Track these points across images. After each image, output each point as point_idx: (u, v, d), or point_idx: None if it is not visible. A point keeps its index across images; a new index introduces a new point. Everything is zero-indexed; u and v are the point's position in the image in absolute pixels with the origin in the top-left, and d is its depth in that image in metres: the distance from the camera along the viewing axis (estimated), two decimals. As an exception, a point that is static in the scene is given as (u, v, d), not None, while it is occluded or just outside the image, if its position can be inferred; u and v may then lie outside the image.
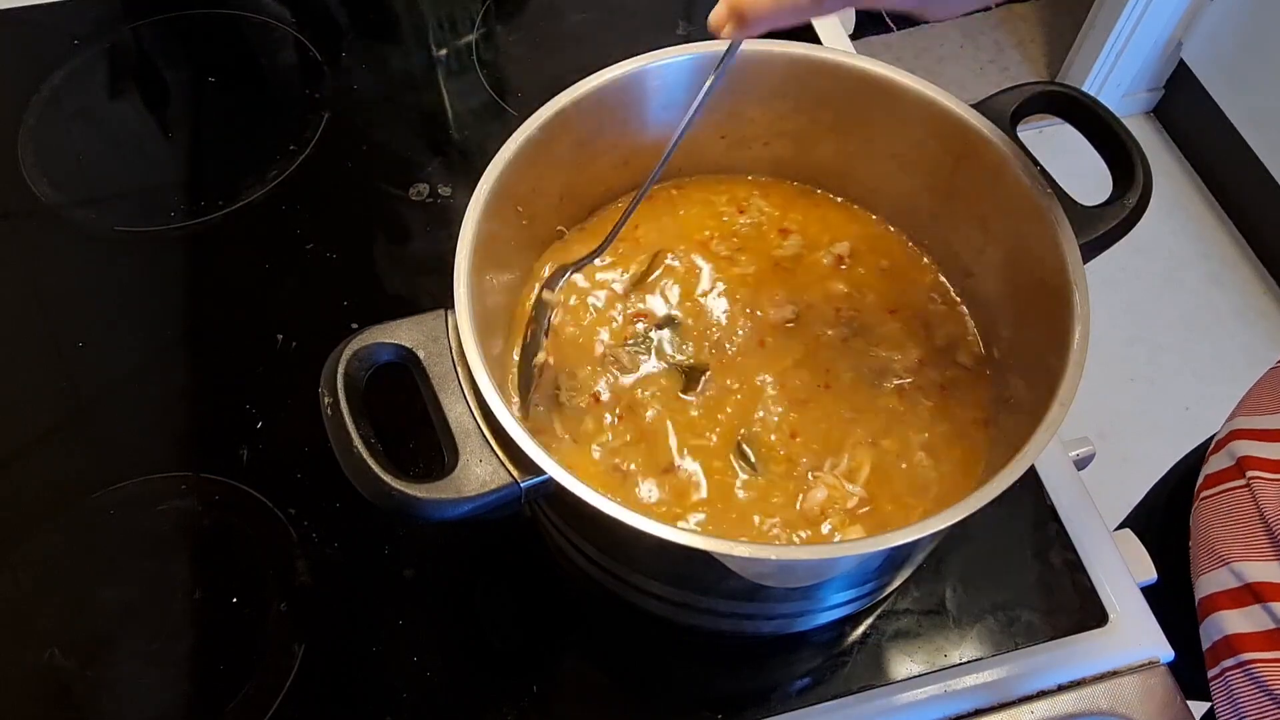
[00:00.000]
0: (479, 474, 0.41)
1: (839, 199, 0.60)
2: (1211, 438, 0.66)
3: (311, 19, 0.83)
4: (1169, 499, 0.74)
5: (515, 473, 0.41)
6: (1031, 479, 0.59)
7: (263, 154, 0.74)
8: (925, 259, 0.58)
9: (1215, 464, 0.60)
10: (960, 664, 0.53)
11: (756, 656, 0.54)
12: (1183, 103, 1.85)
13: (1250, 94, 1.68)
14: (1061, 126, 0.53)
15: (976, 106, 0.52)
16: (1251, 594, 0.54)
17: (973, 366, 0.54)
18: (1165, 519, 0.72)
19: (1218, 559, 0.56)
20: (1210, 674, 0.55)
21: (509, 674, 0.53)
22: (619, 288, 0.56)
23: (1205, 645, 0.56)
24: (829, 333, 0.55)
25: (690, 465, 0.50)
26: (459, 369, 0.43)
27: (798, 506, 0.49)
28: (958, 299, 0.57)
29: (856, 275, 0.57)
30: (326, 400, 0.42)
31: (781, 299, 0.56)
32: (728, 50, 0.46)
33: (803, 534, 0.48)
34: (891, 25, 2.07)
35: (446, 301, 0.44)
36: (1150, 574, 0.57)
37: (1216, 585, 0.56)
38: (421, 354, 0.44)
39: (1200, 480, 0.61)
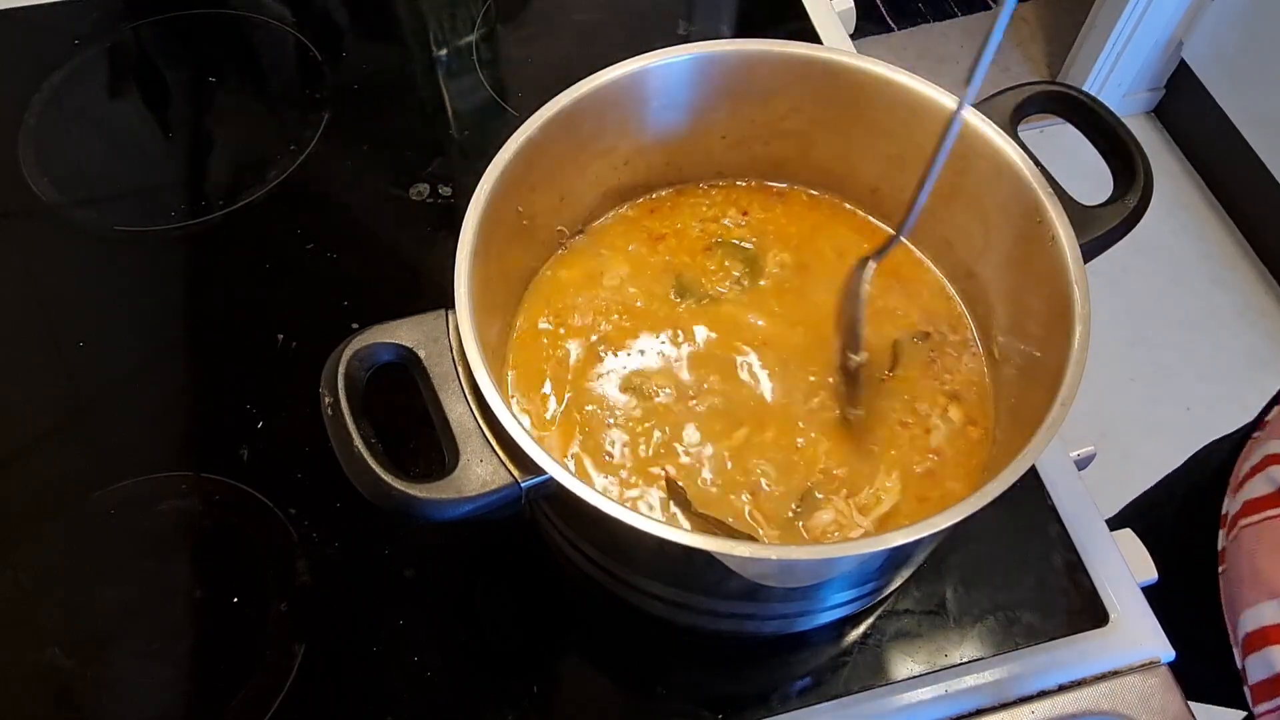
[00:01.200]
0: (479, 474, 0.41)
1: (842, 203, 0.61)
2: (1222, 440, 0.65)
3: (312, 19, 0.83)
4: (1183, 503, 0.72)
5: (516, 472, 0.41)
6: (1032, 479, 0.59)
7: (263, 154, 0.74)
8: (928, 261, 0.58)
9: (1252, 490, 0.59)
10: (961, 664, 0.53)
11: (757, 657, 0.54)
12: (1184, 102, 1.85)
13: (1251, 94, 1.68)
14: (1062, 126, 0.53)
15: (977, 106, 0.52)
16: None
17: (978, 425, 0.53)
18: (1177, 520, 0.71)
19: (1268, 591, 0.55)
20: (1262, 709, 0.54)
21: (509, 674, 0.53)
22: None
23: (1254, 680, 0.54)
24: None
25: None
26: (459, 369, 0.43)
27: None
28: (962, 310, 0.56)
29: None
30: (327, 400, 0.42)
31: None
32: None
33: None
34: (892, 25, 2.07)
35: (447, 301, 0.44)
36: (1151, 574, 0.57)
37: (1268, 618, 0.54)
38: (422, 354, 0.44)
39: (1235, 506, 0.60)
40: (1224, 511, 0.61)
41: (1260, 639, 0.54)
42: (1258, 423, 0.65)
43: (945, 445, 0.52)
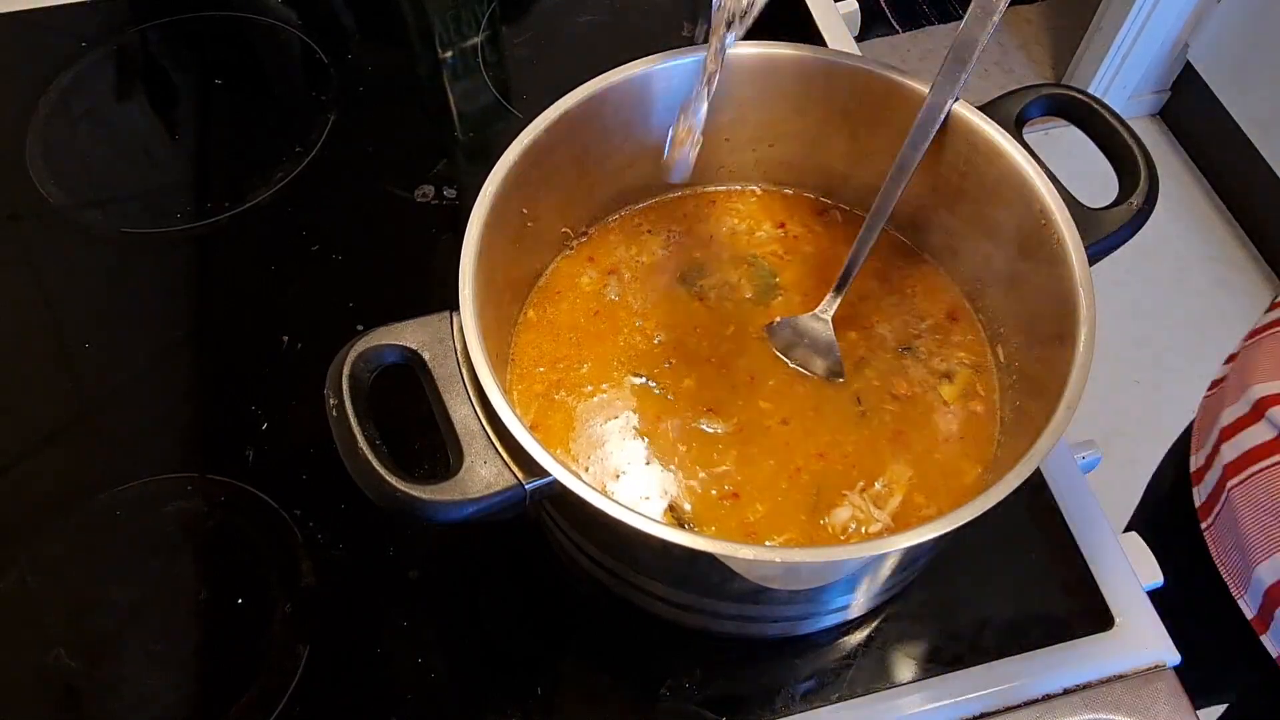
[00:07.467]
0: (483, 475, 0.41)
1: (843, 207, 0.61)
2: (1187, 433, 0.65)
3: (317, 21, 0.83)
4: (1169, 500, 0.72)
5: (520, 474, 0.41)
6: (1037, 482, 0.59)
7: (269, 156, 0.74)
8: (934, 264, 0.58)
9: (1248, 440, 0.58)
10: (965, 667, 0.53)
11: (761, 659, 0.54)
12: (1189, 105, 1.84)
13: (1257, 96, 1.67)
14: (1068, 128, 0.53)
15: (982, 109, 0.52)
16: None
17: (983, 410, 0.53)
18: (1170, 519, 0.71)
19: None
20: None
21: (513, 675, 0.53)
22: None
23: None
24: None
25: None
26: (464, 370, 0.43)
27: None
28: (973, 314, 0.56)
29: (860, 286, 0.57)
30: (332, 402, 0.42)
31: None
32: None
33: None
34: (897, 27, 2.07)
35: (451, 303, 0.45)
36: (1156, 577, 0.56)
37: None
38: (427, 355, 0.44)
39: (1225, 465, 0.59)
40: (1194, 467, 0.61)
41: None
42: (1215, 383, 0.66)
43: (953, 428, 0.52)
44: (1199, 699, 0.53)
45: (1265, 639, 0.58)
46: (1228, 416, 0.61)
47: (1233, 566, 0.60)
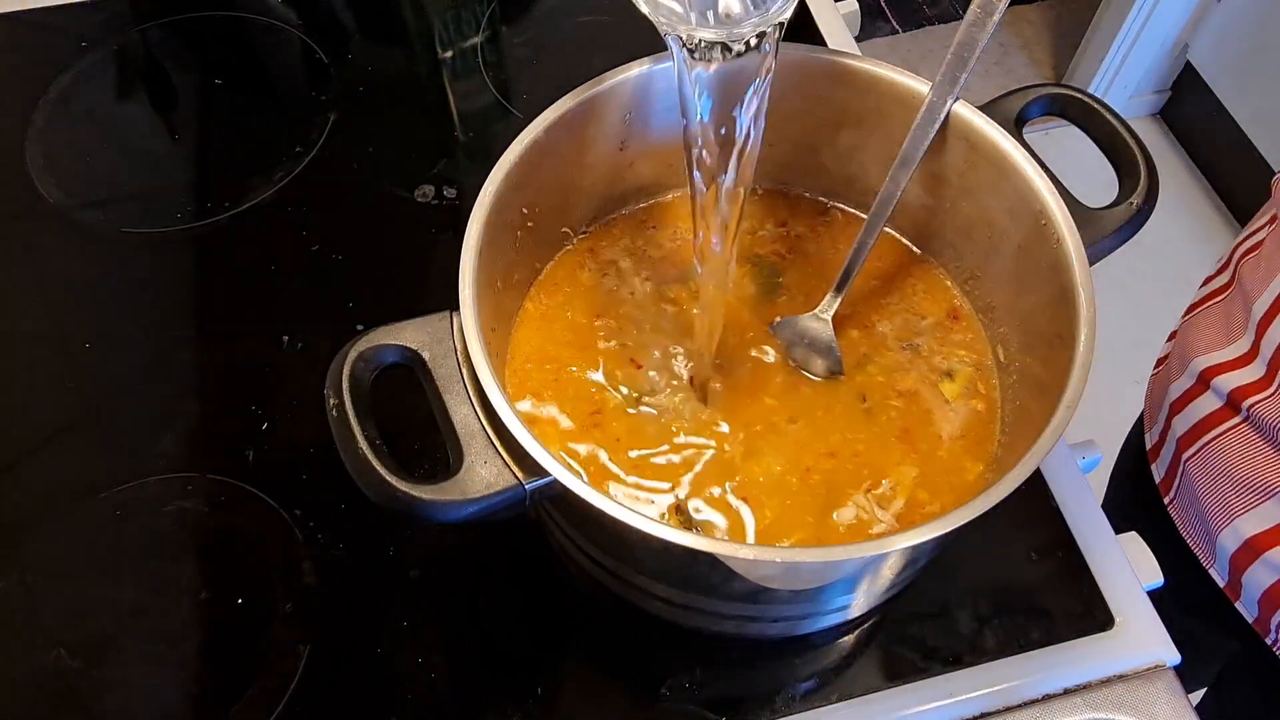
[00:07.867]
0: (484, 475, 0.41)
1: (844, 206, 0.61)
2: (1140, 424, 0.66)
3: (318, 21, 0.83)
4: (1132, 480, 0.73)
5: (520, 474, 0.41)
6: (1037, 481, 0.59)
7: (269, 156, 0.74)
8: (933, 263, 0.58)
9: (1197, 412, 0.59)
10: (965, 667, 0.53)
11: (761, 659, 0.54)
12: (1189, 105, 1.84)
13: (1257, 96, 1.67)
14: (1068, 128, 0.53)
15: (983, 108, 0.52)
16: None
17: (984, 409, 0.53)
18: (1134, 495, 0.71)
19: (1258, 493, 0.54)
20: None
21: (514, 675, 0.53)
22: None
23: (1261, 591, 0.55)
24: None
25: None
26: (464, 370, 0.43)
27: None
28: (973, 312, 0.56)
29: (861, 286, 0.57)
30: (332, 401, 0.42)
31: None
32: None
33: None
34: (897, 27, 2.07)
35: (452, 303, 0.45)
36: (1156, 577, 0.57)
37: (1264, 522, 0.54)
38: (427, 355, 0.44)
39: (1178, 439, 0.60)
40: (1150, 445, 0.61)
41: (1258, 544, 0.54)
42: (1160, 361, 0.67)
43: (955, 426, 0.51)
44: (1187, 684, 0.53)
45: (1239, 605, 0.58)
46: (1175, 391, 0.62)
47: (1199, 538, 0.60)
